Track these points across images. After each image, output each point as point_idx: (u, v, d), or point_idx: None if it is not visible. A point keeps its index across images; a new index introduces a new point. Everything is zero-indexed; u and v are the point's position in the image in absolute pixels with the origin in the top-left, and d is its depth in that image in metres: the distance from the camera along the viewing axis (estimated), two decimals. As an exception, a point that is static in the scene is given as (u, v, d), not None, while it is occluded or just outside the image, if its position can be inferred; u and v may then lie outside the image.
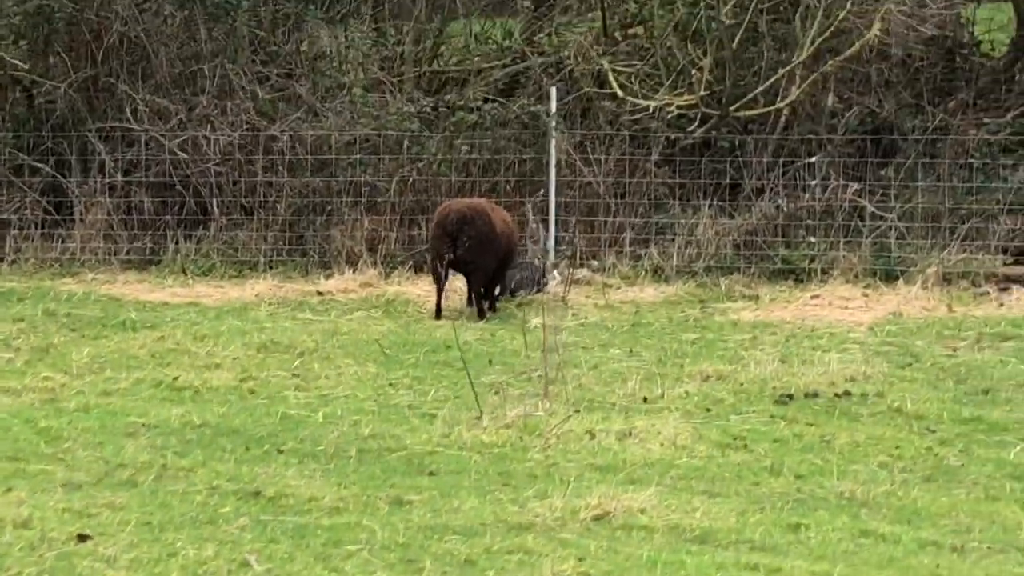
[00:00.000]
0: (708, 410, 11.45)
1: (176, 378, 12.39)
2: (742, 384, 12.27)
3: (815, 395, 11.82)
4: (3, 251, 19.02)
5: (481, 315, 15.90)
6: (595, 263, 18.43)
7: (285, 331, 14.59)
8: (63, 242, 19.11)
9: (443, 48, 22.59)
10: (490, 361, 13.27)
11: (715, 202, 18.60)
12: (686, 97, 18.75)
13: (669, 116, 18.95)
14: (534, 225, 18.36)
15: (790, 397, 11.75)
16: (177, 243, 18.89)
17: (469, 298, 16.26)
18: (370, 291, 17.47)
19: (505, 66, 21.69)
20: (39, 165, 19.44)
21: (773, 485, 9.51)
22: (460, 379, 12.13)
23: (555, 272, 17.67)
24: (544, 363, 11.70)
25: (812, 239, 18.13)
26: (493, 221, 16.03)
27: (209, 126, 19.19)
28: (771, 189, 18.60)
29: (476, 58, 22.25)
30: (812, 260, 17.87)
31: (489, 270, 16.08)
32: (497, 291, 16.56)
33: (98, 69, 19.72)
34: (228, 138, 19.09)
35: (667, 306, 16.65)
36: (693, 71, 18.81)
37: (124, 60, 19.76)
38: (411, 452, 10.12)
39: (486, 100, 19.88)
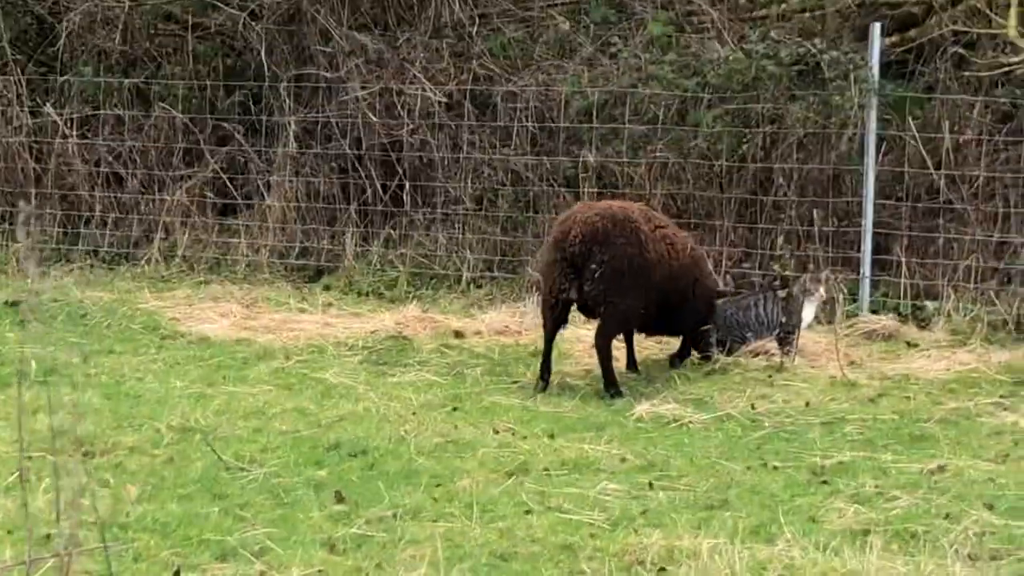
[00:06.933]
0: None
1: None
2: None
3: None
4: (149, 248, 14.01)
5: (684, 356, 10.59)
6: (931, 305, 11.26)
7: (211, 401, 9.25)
8: (225, 236, 13.89)
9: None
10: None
11: None
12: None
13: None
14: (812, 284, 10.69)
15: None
16: (343, 246, 13.23)
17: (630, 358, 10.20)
18: (537, 336, 11.15)
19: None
20: (223, 124, 14.22)
21: None
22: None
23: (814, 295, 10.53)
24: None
25: None
26: (643, 240, 9.54)
27: (410, 78, 13.31)
28: None
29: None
30: None
31: (632, 315, 9.78)
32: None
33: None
34: (434, 96, 13.18)
35: (944, 390, 9.60)
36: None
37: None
38: None
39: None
